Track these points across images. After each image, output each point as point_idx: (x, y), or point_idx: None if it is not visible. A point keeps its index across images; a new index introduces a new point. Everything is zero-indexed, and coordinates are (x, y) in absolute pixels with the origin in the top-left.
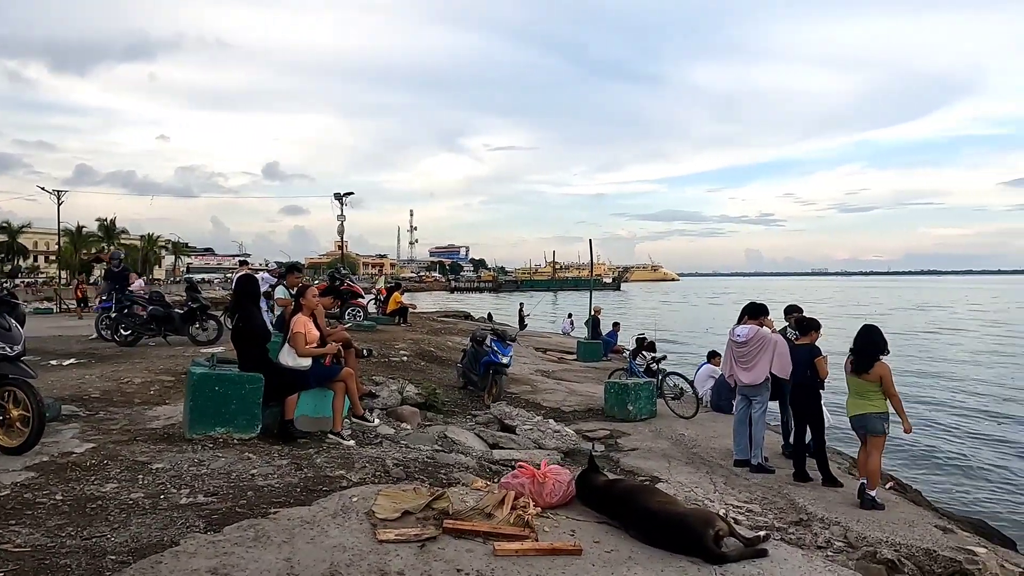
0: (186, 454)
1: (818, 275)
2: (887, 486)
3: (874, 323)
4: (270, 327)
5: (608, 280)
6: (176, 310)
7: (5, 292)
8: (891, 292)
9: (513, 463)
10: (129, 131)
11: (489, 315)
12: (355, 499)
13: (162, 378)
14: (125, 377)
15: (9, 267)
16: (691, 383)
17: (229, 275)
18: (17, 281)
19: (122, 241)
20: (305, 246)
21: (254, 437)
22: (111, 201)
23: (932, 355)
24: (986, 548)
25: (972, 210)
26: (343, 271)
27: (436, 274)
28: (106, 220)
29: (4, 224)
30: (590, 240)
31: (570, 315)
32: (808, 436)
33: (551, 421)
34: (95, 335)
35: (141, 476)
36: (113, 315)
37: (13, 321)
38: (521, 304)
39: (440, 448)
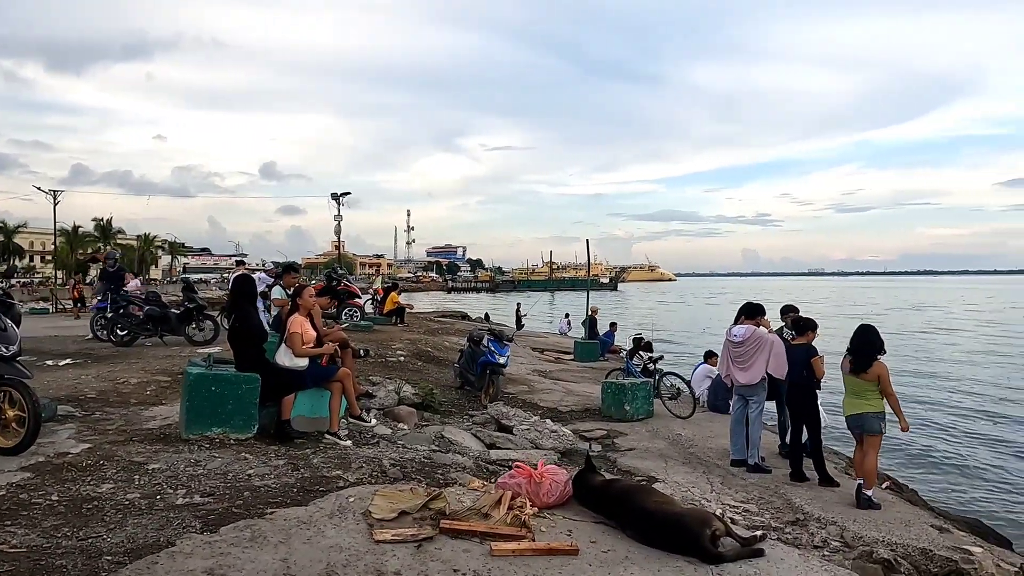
0: (182, 454)
1: (815, 275)
2: (883, 486)
3: (870, 323)
4: (267, 327)
5: (605, 280)
6: (172, 310)
7: (1, 292)
8: (887, 292)
9: (510, 463)
10: (126, 131)
11: (486, 315)
12: (352, 499)
13: (158, 378)
14: (121, 377)
15: (5, 267)
16: (688, 383)
17: (226, 275)
18: (13, 281)
19: (118, 241)
20: (302, 246)
21: (251, 437)
22: (107, 201)
23: (928, 355)
24: (982, 548)
25: (969, 210)
26: (340, 271)
27: (433, 274)
28: (102, 220)
29: (0, 224)
30: (587, 240)
31: (567, 315)
32: (805, 436)
33: (548, 421)
34: (91, 335)
35: (137, 476)
36: (109, 315)
37: (9, 321)
38: (518, 304)
39: (437, 448)
